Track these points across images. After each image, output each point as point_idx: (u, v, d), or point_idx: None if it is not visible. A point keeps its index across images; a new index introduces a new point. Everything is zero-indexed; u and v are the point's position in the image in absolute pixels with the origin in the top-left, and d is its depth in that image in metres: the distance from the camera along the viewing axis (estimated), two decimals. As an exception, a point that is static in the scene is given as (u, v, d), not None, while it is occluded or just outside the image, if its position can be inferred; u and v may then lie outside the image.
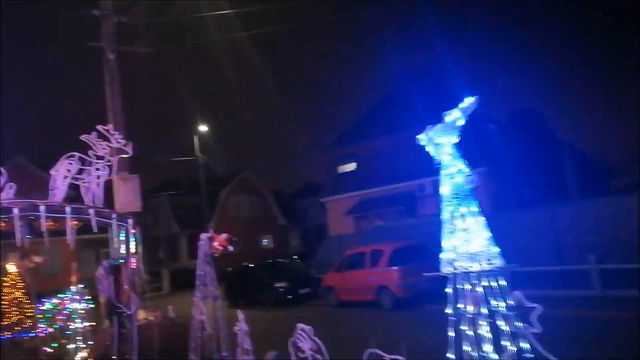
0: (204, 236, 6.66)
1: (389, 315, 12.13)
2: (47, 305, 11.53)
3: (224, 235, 6.60)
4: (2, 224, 4.82)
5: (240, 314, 5.83)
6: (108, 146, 5.71)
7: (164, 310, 9.64)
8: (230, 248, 6.61)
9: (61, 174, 5.47)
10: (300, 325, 4.64)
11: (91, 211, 5.40)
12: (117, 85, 11.77)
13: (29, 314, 11.77)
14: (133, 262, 5.87)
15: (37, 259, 12.09)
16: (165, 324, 7.89)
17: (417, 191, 22.28)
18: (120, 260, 5.95)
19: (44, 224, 5.12)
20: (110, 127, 5.78)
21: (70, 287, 9.78)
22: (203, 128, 30.97)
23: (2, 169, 5.12)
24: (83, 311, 8.53)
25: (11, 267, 11.57)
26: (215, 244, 6.49)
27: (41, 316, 11.74)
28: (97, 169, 5.64)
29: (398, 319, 11.46)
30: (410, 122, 22.98)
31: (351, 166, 26.55)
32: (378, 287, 13.17)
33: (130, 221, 5.80)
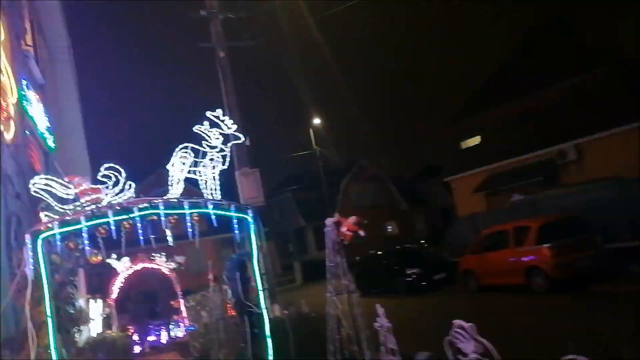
0: (329, 222, 5.85)
1: (547, 301, 10.45)
2: (191, 302, 12.09)
3: (352, 219, 5.70)
4: (126, 225, 4.70)
5: (380, 308, 5.07)
6: (220, 134, 5.36)
7: (297, 304, 9.36)
8: (362, 233, 5.77)
9: (177, 168, 5.26)
10: (458, 322, 3.72)
11: (209, 204, 5.10)
12: (230, 81, 11.86)
13: (179, 311, 12.44)
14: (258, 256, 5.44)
15: (180, 258, 12.76)
16: (300, 320, 7.47)
17: (557, 158, 19.86)
18: (245, 255, 5.58)
19: (165, 222, 4.92)
20: (219, 112, 5.42)
21: (210, 285, 9.99)
22: (317, 121, 31.59)
23: (120, 169, 5.03)
24: (222, 308, 8.57)
25: (162, 268, 12.34)
26: (344, 229, 5.66)
27: (187, 312, 12.34)
28: (212, 159, 5.33)
29: (562, 306, 9.73)
30: (542, 81, 20.46)
31: (475, 140, 24.65)
32: (527, 268, 11.56)
33: (249, 212, 5.39)
